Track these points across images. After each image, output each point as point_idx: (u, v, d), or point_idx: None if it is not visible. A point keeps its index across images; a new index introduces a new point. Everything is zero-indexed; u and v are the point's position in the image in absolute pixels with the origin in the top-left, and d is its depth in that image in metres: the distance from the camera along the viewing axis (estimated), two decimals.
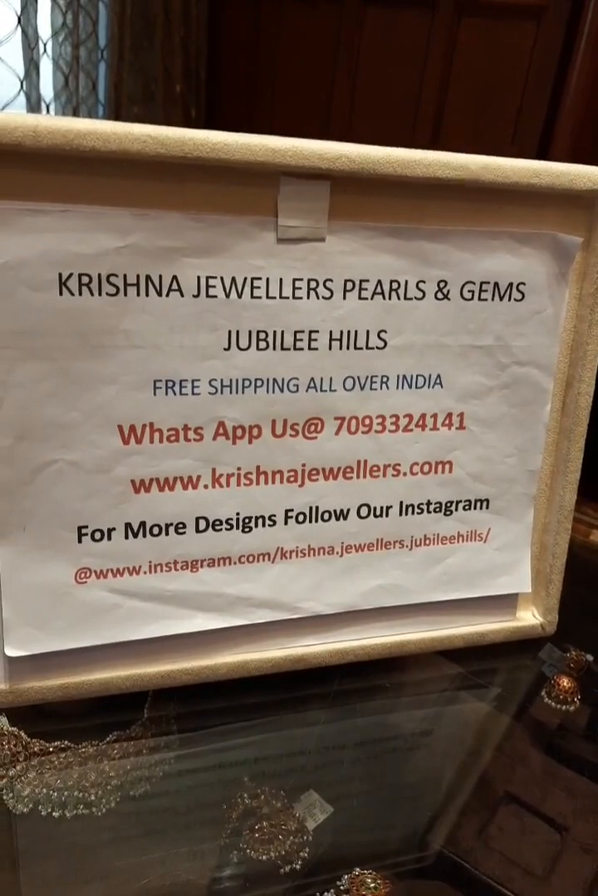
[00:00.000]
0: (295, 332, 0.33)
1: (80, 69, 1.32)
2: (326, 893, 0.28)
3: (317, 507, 0.36)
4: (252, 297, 0.32)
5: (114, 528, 0.33)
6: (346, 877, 0.29)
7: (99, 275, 0.30)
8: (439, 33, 1.43)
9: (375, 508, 0.37)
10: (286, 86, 1.59)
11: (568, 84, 1.30)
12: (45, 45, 1.28)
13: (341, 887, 0.29)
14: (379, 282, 0.34)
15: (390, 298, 0.34)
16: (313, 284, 0.33)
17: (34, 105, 1.25)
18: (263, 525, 0.36)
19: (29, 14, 1.22)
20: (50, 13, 1.28)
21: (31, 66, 1.23)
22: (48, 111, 1.31)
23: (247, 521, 0.35)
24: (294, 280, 0.33)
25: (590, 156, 1.28)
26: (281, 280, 0.33)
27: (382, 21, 1.48)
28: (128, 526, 0.33)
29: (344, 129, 1.54)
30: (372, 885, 0.29)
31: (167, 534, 0.34)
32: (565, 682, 0.40)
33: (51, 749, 0.34)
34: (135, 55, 1.41)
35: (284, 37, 1.57)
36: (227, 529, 0.35)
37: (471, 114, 1.43)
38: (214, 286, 0.32)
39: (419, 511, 0.38)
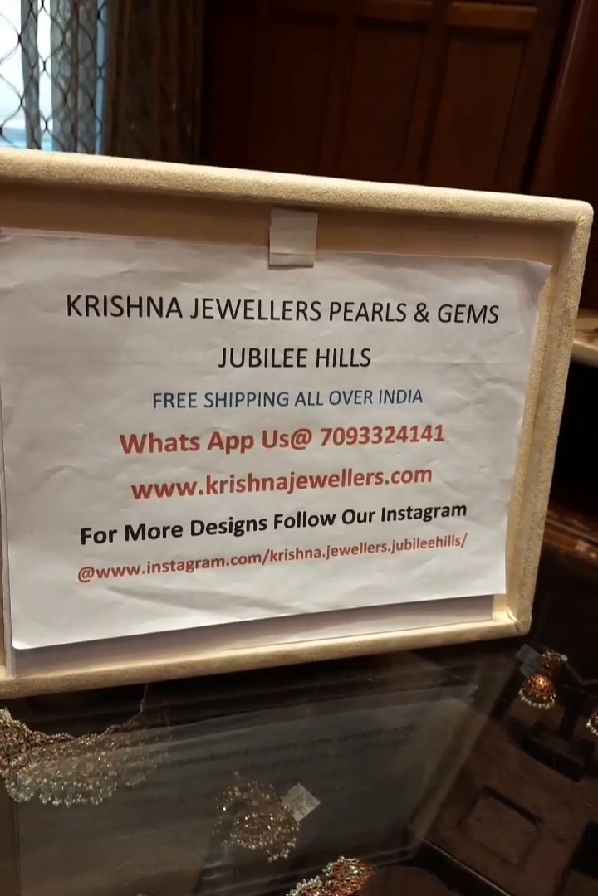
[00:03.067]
0: (285, 351, 0.35)
1: (78, 87, 1.34)
2: (311, 880, 0.29)
3: (305, 513, 0.38)
4: (245, 318, 0.34)
5: (115, 531, 0.35)
6: (331, 865, 0.30)
7: (104, 297, 0.32)
8: (428, 56, 1.46)
9: (359, 514, 0.39)
10: (280, 106, 1.61)
11: (553, 105, 1.33)
12: (44, 63, 1.30)
13: (326, 874, 0.30)
14: (363, 304, 0.36)
15: (373, 320, 0.36)
16: (301, 307, 0.35)
17: (33, 121, 1.26)
18: (255, 529, 0.37)
19: (29, 33, 1.23)
20: (49, 32, 1.30)
21: (31, 83, 1.25)
22: (47, 127, 1.33)
23: (239, 524, 0.37)
24: (284, 303, 0.35)
25: (573, 175, 1.31)
26: (272, 303, 0.34)
27: (373, 43, 1.51)
28: (128, 528, 0.35)
29: (336, 149, 1.56)
30: (355, 871, 0.30)
31: (165, 536, 0.36)
32: (541, 681, 0.41)
33: (51, 741, 0.34)
34: (132, 73, 1.43)
35: (278, 58, 1.59)
36: (220, 533, 0.37)
37: (460, 134, 1.46)
38: (210, 308, 0.34)
39: (401, 517, 0.40)
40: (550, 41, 1.33)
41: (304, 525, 0.38)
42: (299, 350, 0.36)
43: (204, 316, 0.34)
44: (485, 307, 0.38)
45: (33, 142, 1.30)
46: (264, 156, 1.60)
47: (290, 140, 1.59)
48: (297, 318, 0.35)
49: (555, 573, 0.56)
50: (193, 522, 0.36)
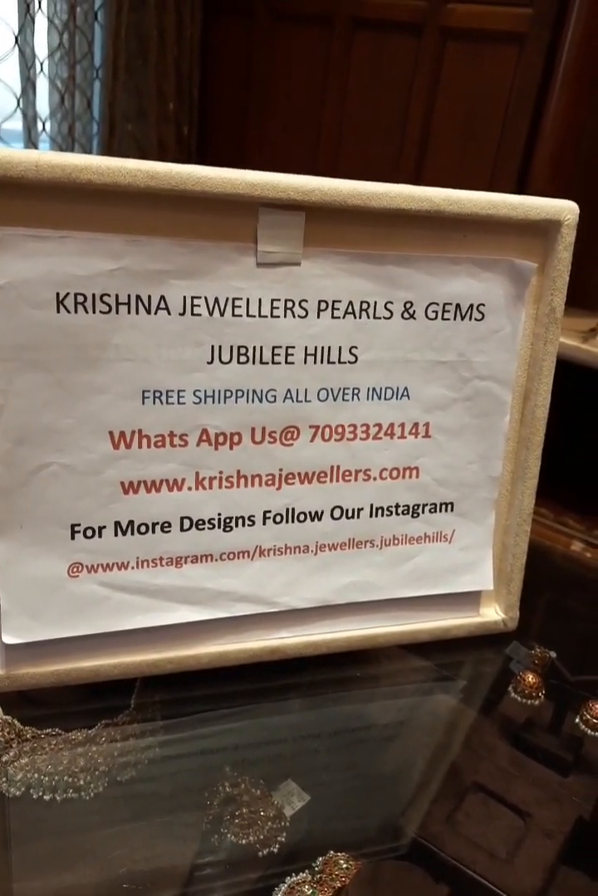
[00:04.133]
0: (273, 348, 0.36)
1: (75, 88, 1.34)
2: (301, 874, 0.30)
3: (293, 509, 0.38)
4: (234, 315, 0.34)
5: (104, 527, 0.35)
6: (320, 859, 0.30)
7: (93, 294, 0.32)
8: (425, 57, 1.46)
9: (347, 510, 0.39)
10: (277, 106, 1.61)
11: (548, 107, 1.34)
12: (41, 64, 1.30)
13: (316, 868, 0.30)
14: (350, 302, 0.36)
15: (360, 317, 0.37)
16: (289, 304, 0.35)
17: (30, 122, 1.27)
18: (243, 525, 0.38)
19: (26, 34, 1.24)
20: (47, 33, 1.30)
21: (28, 84, 1.25)
22: (44, 128, 1.33)
23: (228, 521, 0.37)
24: (272, 300, 0.35)
25: (569, 176, 1.32)
26: (260, 300, 0.35)
27: (370, 44, 1.51)
28: (117, 524, 0.35)
29: (333, 149, 1.57)
30: (344, 866, 0.30)
31: (154, 532, 0.36)
32: (530, 678, 0.41)
33: (42, 735, 0.35)
34: (129, 74, 1.43)
35: (275, 58, 1.60)
36: (209, 529, 0.37)
37: (456, 134, 1.46)
38: (198, 305, 0.34)
39: (388, 513, 0.40)
40: (545, 43, 1.33)
41: (292, 521, 0.38)
42: (287, 347, 0.36)
43: (192, 313, 0.34)
44: (472, 305, 0.38)
45: (31, 143, 1.30)
46: (261, 156, 1.61)
47: (287, 140, 1.60)
48: (284, 316, 0.35)
49: (546, 571, 0.57)
50: (181, 518, 0.36)
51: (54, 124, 1.36)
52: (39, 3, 1.25)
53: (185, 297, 0.34)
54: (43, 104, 1.33)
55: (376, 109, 1.53)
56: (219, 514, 0.37)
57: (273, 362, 0.36)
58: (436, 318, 0.38)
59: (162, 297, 0.33)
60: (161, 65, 1.47)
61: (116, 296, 0.33)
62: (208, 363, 0.35)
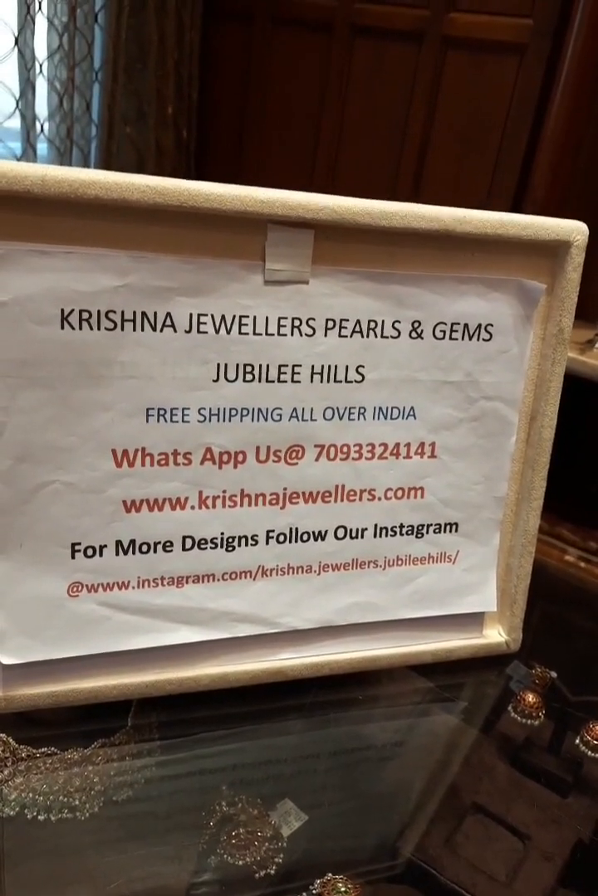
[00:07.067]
0: (279, 366, 0.35)
1: (74, 90, 1.33)
2: None
3: (297, 529, 0.38)
4: (240, 333, 0.34)
5: (105, 546, 0.35)
6: (318, 881, 0.30)
7: (98, 311, 0.32)
8: (425, 65, 1.46)
9: (351, 530, 0.39)
10: (276, 112, 1.61)
11: (548, 117, 1.34)
12: (41, 65, 1.29)
13: (314, 891, 0.30)
14: (358, 321, 0.36)
15: (367, 336, 0.36)
16: (296, 323, 0.35)
17: (29, 124, 1.26)
18: (246, 544, 0.37)
19: (26, 35, 1.23)
20: (46, 35, 1.29)
21: (27, 86, 1.24)
22: (42, 131, 1.33)
23: (231, 540, 0.37)
24: (279, 319, 0.35)
25: (568, 186, 1.31)
26: (267, 318, 0.34)
27: (370, 51, 1.51)
28: (118, 543, 0.35)
29: (332, 155, 1.56)
30: (343, 889, 0.30)
31: (155, 551, 0.36)
32: (530, 697, 0.41)
33: (38, 755, 0.34)
34: (128, 77, 1.42)
35: (275, 63, 1.60)
36: (211, 548, 0.37)
37: (455, 143, 1.46)
38: (205, 323, 0.33)
39: (393, 533, 0.40)
40: (545, 53, 1.34)
41: (295, 541, 0.38)
42: (294, 366, 0.36)
43: (198, 331, 0.34)
44: (480, 325, 0.38)
45: (29, 144, 1.29)
46: (260, 161, 1.60)
47: (286, 146, 1.60)
48: (291, 334, 0.35)
49: (546, 586, 0.57)
50: (184, 537, 0.36)
51: (53, 126, 1.35)
52: (40, 4, 1.24)
53: (191, 315, 0.33)
54: (42, 105, 1.32)
55: (376, 116, 1.52)
56: (222, 534, 0.37)
57: (279, 380, 0.36)
58: (444, 337, 0.38)
59: (168, 315, 0.33)
60: (161, 68, 1.46)
61: (122, 312, 0.32)
62: (214, 381, 0.34)
